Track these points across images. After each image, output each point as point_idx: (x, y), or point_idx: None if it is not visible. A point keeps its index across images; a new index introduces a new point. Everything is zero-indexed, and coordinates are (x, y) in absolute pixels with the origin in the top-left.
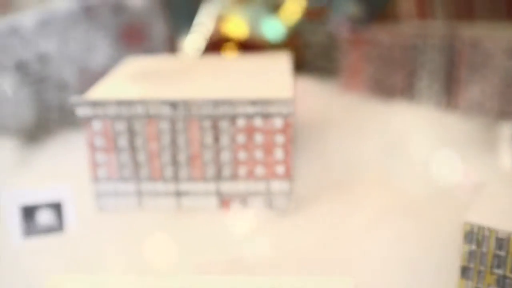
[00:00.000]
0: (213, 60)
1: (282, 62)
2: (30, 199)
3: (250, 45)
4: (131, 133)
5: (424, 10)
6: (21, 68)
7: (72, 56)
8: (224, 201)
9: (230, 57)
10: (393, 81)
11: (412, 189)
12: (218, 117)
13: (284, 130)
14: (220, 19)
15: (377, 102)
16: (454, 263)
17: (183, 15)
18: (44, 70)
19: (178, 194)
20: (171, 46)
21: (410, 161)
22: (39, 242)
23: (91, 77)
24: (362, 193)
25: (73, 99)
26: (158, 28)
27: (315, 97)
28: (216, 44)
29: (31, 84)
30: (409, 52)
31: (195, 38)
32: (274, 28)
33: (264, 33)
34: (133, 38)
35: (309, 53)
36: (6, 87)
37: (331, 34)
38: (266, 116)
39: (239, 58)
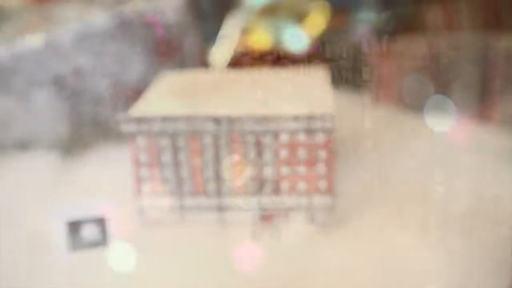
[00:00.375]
0: (248, 73)
1: (319, 76)
2: (75, 214)
3: (278, 58)
4: (175, 148)
5: (451, 21)
6: (57, 82)
7: (107, 70)
8: (266, 215)
9: (265, 71)
10: (425, 93)
11: (456, 204)
12: (261, 132)
13: (327, 145)
14: (244, 32)
15: (410, 115)
16: (506, 277)
17: (209, 28)
18: (79, 84)
19: (221, 208)
20: (202, 60)
21: (451, 174)
22: (84, 257)
23: (125, 91)
24: (404, 208)
25: (119, 115)
26: (190, 42)
27: (347, 110)
28: (241, 57)
29: (66, 98)
30: (442, 64)
31: (220, 51)
32: (298, 40)
33: (288, 45)
34: (166, 52)
35: (334, 65)
36: (43, 101)
37: (356, 46)
38: (308, 132)
39: (274, 72)
